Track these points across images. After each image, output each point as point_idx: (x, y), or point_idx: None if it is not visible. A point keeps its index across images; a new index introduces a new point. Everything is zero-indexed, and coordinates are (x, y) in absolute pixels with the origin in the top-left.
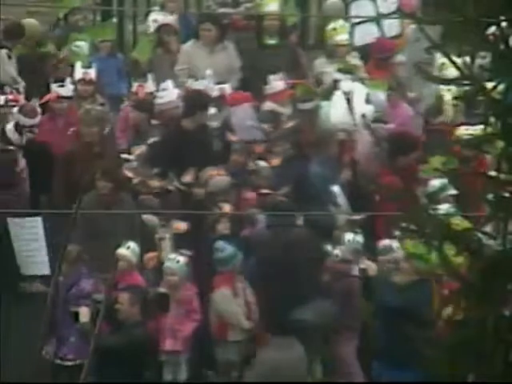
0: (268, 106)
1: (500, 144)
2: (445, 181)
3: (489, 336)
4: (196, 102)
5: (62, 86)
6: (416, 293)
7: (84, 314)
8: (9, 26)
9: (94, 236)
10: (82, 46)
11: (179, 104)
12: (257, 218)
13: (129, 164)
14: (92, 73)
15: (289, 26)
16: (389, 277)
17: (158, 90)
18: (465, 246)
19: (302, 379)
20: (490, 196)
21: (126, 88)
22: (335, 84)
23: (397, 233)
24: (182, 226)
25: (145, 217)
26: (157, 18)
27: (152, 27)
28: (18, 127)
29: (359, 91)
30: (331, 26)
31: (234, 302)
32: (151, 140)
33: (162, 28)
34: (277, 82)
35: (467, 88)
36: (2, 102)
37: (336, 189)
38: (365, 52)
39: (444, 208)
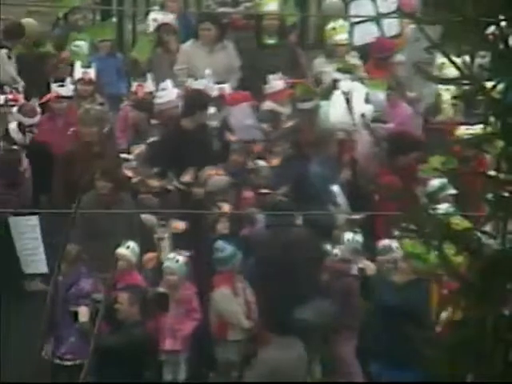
0: (267, 105)
1: (500, 144)
2: (444, 180)
3: (488, 336)
4: (196, 101)
5: (62, 85)
6: (413, 292)
7: (83, 313)
8: (9, 25)
9: (94, 236)
10: (82, 45)
11: (179, 104)
12: (256, 218)
13: (128, 163)
14: (91, 72)
15: (288, 26)
16: (387, 276)
17: (157, 90)
18: (464, 245)
19: (302, 379)
20: (490, 195)
21: (125, 88)
22: (334, 84)
23: (396, 233)
24: (180, 225)
25: (143, 216)
26: (156, 17)
27: (151, 27)
28: (22, 127)
29: (359, 91)
30: (331, 25)
31: (234, 301)
32: (150, 139)
33: (161, 27)
34: (276, 82)
35: (467, 88)
36: (1, 102)
37: (336, 188)
38: (364, 51)
39: (443, 208)
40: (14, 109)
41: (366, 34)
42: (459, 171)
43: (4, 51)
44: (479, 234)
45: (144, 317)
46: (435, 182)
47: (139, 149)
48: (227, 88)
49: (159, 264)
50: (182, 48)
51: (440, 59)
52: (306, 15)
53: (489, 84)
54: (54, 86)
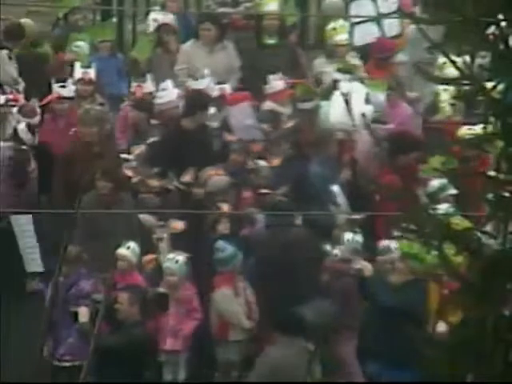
0: (268, 105)
1: (500, 144)
2: (445, 181)
3: (488, 336)
4: (196, 101)
5: (64, 86)
6: (410, 293)
7: (83, 313)
8: (9, 26)
9: (95, 236)
10: (82, 46)
11: (179, 104)
12: (256, 218)
13: (128, 164)
14: (91, 73)
15: (288, 26)
16: (384, 277)
17: (157, 90)
18: (464, 245)
19: (303, 378)
20: (490, 196)
21: (125, 88)
22: (335, 84)
23: (395, 233)
24: (179, 225)
25: (142, 216)
26: (157, 17)
27: (152, 27)
28: (31, 127)
29: (359, 91)
30: (331, 25)
31: (234, 301)
32: (151, 140)
33: (161, 28)
34: (276, 82)
35: (467, 88)
36: (2, 102)
37: (336, 188)
38: (364, 52)
39: (444, 208)
40: (14, 109)
41: (367, 34)
42: (459, 171)
43: (5, 52)
44: (479, 234)
45: (144, 317)
46: (435, 183)
47: (139, 149)
48: (228, 88)
49: (158, 266)
50: (182, 48)
51: (441, 59)
52: (306, 15)
53: (489, 84)
54: (56, 87)
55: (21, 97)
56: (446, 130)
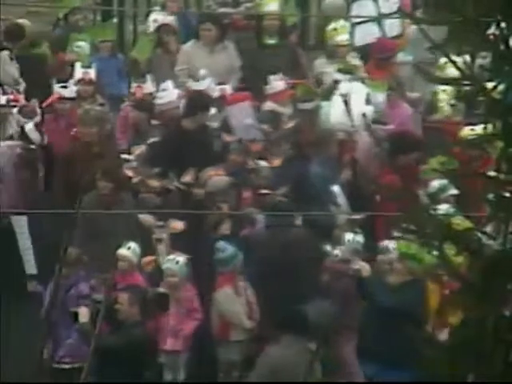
0: (268, 106)
1: (500, 144)
2: (445, 181)
3: (488, 336)
4: (197, 102)
5: (65, 87)
6: (409, 293)
7: (83, 314)
8: (9, 27)
9: (95, 236)
10: (84, 46)
11: (179, 104)
12: (256, 218)
13: (129, 164)
14: (92, 73)
15: (289, 26)
16: (382, 277)
17: (157, 91)
18: (465, 246)
19: (303, 378)
20: (491, 196)
21: (126, 88)
22: (335, 84)
23: (394, 233)
24: (179, 225)
25: (141, 216)
26: (157, 18)
27: (152, 27)
28: (39, 127)
29: (359, 91)
30: (331, 26)
31: (236, 301)
32: (151, 140)
33: (161, 28)
34: (277, 82)
35: (467, 88)
36: (3, 102)
37: (336, 189)
38: (365, 52)
39: (444, 208)
40: (15, 109)
41: (368, 34)
42: (460, 172)
43: (6, 53)
44: (480, 235)
45: (144, 317)
46: (436, 183)
47: (140, 149)
48: (228, 89)
49: (157, 266)
50: (182, 48)
51: (443, 59)
52: (306, 15)
53: (489, 84)
54: (57, 88)
55: (21, 97)
56: (446, 130)
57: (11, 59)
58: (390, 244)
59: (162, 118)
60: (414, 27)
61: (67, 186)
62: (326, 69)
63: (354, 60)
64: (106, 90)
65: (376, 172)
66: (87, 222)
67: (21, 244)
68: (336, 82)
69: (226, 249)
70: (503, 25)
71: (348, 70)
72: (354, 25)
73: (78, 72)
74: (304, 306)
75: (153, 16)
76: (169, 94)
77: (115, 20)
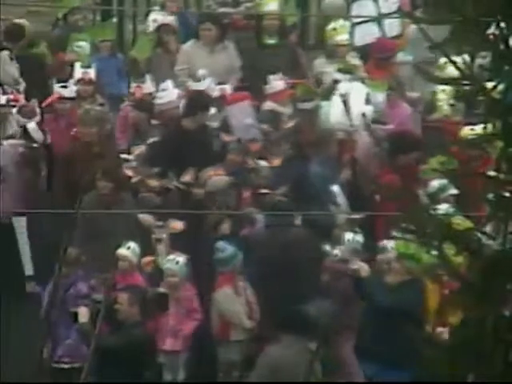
0: (268, 105)
1: (500, 144)
2: (445, 181)
3: (488, 336)
4: (197, 102)
5: (65, 86)
6: (407, 293)
7: (83, 314)
8: (9, 27)
9: (95, 236)
10: (84, 46)
11: (179, 104)
12: (256, 218)
13: (128, 164)
14: (91, 73)
15: (288, 26)
16: (381, 277)
17: (156, 90)
18: (464, 245)
19: (303, 377)
20: (490, 196)
21: (126, 88)
22: (335, 84)
23: (393, 233)
24: (178, 225)
25: (141, 216)
26: (156, 17)
27: (151, 27)
28: (41, 126)
29: (359, 91)
30: (331, 25)
31: (236, 301)
32: (151, 140)
33: (161, 28)
34: (277, 82)
35: (467, 88)
36: (3, 102)
37: (336, 188)
38: (365, 52)
39: (443, 208)
40: (14, 109)
41: (367, 34)
42: (459, 172)
43: (6, 53)
44: (479, 235)
45: (144, 317)
46: (435, 183)
47: (139, 149)
48: (228, 88)
49: (157, 267)
50: (182, 48)
51: (443, 59)
52: (306, 15)
53: (489, 84)
54: (57, 87)
55: (21, 97)
56: (446, 129)
57: (11, 59)
58: (389, 243)
59: (162, 118)
60: (413, 27)
61: (67, 186)
62: (326, 68)
63: (354, 60)
64: (105, 89)
65: (376, 172)
66: (87, 221)
67: (20, 244)
68: (336, 81)
69: (225, 249)
70: (503, 25)
71: (348, 70)
72: (353, 25)
73: (78, 72)
74: (304, 306)
75: (152, 16)
76: (169, 93)
77: (115, 20)
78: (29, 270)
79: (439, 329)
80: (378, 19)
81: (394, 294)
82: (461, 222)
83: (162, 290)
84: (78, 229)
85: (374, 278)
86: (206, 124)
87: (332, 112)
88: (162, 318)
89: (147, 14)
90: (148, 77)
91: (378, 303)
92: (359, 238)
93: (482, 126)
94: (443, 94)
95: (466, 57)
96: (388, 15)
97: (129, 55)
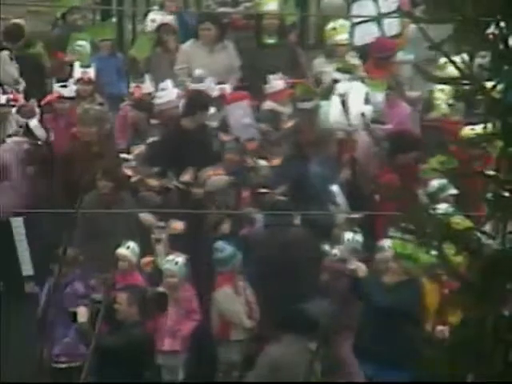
0: (268, 105)
1: (500, 144)
2: (444, 181)
3: (488, 336)
4: (196, 101)
5: (65, 86)
6: (404, 293)
7: (82, 313)
8: (9, 27)
9: (95, 236)
10: (85, 45)
11: (178, 104)
12: (255, 218)
13: (128, 163)
14: (91, 72)
15: (288, 26)
16: (378, 277)
17: (156, 90)
18: (464, 245)
19: (303, 378)
20: (489, 195)
21: (125, 87)
22: (334, 84)
23: (390, 232)
24: (179, 225)
25: (142, 215)
26: (155, 17)
27: (149, 27)
28: (43, 123)
29: (358, 91)
30: (331, 25)
31: (236, 300)
32: (150, 140)
33: (161, 28)
34: (276, 82)
35: (467, 87)
36: (3, 102)
37: (335, 188)
38: (364, 51)
39: (443, 208)
40: (14, 109)
41: (367, 34)
42: (459, 171)
43: (6, 53)
44: (479, 234)
45: (143, 317)
46: (435, 183)
47: (139, 149)
48: (228, 88)
49: (156, 267)
50: (182, 48)
51: (444, 58)
52: (305, 15)
53: (489, 84)
54: (56, 87)
55: (20, 97)
56: (446, 129)
57: (11, 59)
58: (386, 242)
59: (162, 118)
60: (413, 26)
61: (67, 186)
62: (326, 68)
63: (353, 59)
64: (105, 89)
65: (375, 171)
66: (87, 221)
67: (18, 245)
68: (335, 81)
69: (224, 249)
70: (503, 24)
71: (347, 70)
72: (353, 25)
73: (77, 71)
74: (303, 306)
75: (151, 15)
76: (168, 93)
77: (114, 19)
78: (29, 270)
79: (439, 327)
80: (378, 19)
81: (391, 294)
82: (460, 222)
83: (161, 290)
84: (78, 228)
85: (371, 278)
86: (206, 124)
87: (331, 112)
88: (161, 319)
89: (146, 14)
90: (147, 76)
91: (375, 303)
92: (359, 237)
93: (482, 125)
94: (441, 94)
95: (466, 56)
96: (387, 15)
97: (128, 55)
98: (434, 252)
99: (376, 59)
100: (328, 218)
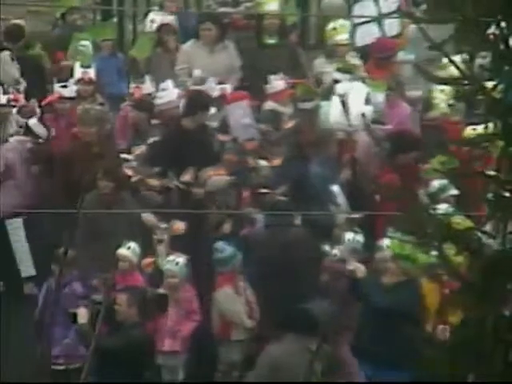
0: (268, 105)
1: (500, 144)
2: (445, 181)
3: (488, 336)
4: (197, 101)
5: (65, 86)
6: (403, 293)
7: (82, 315)
8: (9, 27)
9: (96, 236)
10: (88, 45)
11: (179, 104)
12: (255, 218)
13: (128, 163)
14: (91, 72)
15: (289, 26)
16: (377, 277)
17: (156, 90)
18: (465, 245)
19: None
20: (490, 195)
21: (126, 88)
22: (335, 84)
23: (389, 233)
24: (180, 226)
25: (144, 215)
26: (155, 17)
27: (149, 27)
28: (44, 121)
29: (359, 91)
30: (331, 25)
31: (236, 301)
32: (151, 140)
33: (161, 28)
34: (277, 82)
35: (467, 88)
36: (4, 102)
37: (335, 188)
38: (364, 52)
39: (443, 208)
40: (14, 109)
41: (368, 34)
42: (460, 171)
43: (7, 53)
44: (479, 234)
45: (143, 318)
46: (436, 183)
47: (139, 149)
48: (228, 88)
49: (157, 268)
50: (182, 48)
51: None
52: (306, 15)
53: (489, 84)
54: (57, 87)
55: (21, 97)
56: (446, 129)
57: (12, 59)
58: (385, 242)
59: (162, 118)
60: (414, 26)
61: (68, 186)
62: (326, 68)
63: (354, 59)
64: (105, 89)
65: (375, 171)
66: (88, 221)
67: (18, 245)
68: (336, 81)
69: (224, 249)
70: (503, 24)
71: (347, 70)
72: (355, 26)
73: (78, 72)
74: (303, 306)
75: (151, 16)
76: (168, 93)
77: (115, 20)
78: (30, 271)
79: (440, 326)
80: (378, 19)
81: (389, 295)
82: (461, 222)
83: (161, 290)
84: (79, 228)
85: (370, 278)
86: (206, 124)
87: (332, 112)
88: (162, 319)
89: (147, 14)
90: (148, 77)
91: (374, 304)
92: (359, 237)
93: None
94: (441, 94)
95: (466, 57)
96: (388, 15)
97: (129, 55)
98: (434, 252)
99: (376, 59)
100: (328, 219)
